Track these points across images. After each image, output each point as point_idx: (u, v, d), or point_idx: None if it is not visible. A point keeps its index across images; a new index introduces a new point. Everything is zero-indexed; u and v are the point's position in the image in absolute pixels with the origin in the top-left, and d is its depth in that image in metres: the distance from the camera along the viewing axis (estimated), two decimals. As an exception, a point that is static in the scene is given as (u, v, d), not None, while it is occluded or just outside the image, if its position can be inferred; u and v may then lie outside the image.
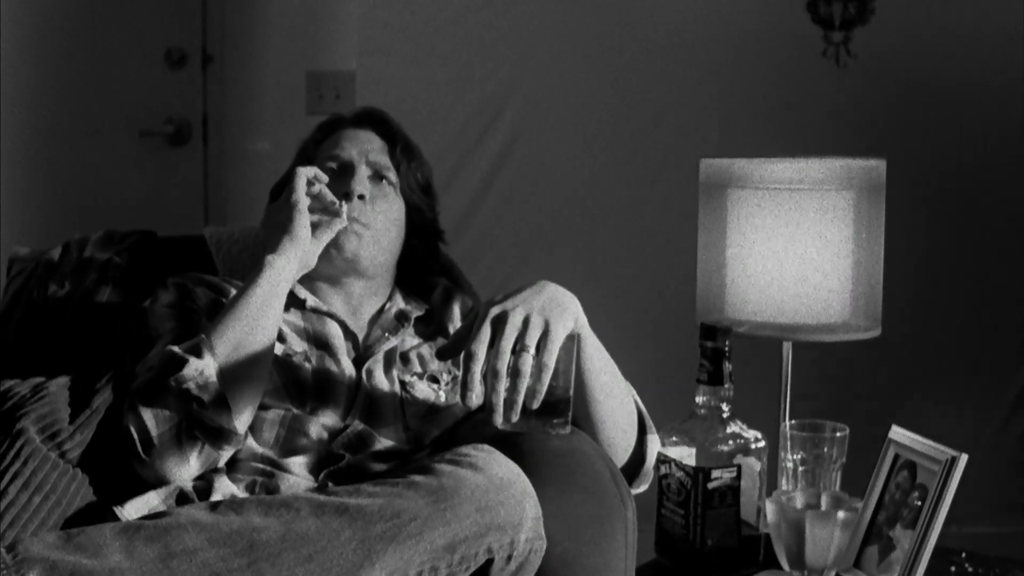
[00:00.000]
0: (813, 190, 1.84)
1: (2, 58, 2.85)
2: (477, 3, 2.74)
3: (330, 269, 1.66)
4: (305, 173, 1.60)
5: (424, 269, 1.80)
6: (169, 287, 1.64)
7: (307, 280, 1.70)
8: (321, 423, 1.52)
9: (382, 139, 1.74)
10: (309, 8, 3.06)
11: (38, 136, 2.95)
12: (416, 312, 1.70)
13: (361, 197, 1.65)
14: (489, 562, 1.23)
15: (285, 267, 1.53)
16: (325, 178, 1.62)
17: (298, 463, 1.47)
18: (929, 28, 2.70)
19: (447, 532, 1.20)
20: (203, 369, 1.41)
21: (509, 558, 1.24)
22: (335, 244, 1.63)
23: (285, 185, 1.74)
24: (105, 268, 1.88)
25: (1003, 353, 2.77)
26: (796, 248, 1.84)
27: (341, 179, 1.67)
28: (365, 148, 1.71)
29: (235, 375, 1.44)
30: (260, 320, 1.48)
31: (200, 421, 1.41)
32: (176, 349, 1.43)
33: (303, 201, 1.57)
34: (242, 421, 1.45)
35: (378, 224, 1.66)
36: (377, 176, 1.70)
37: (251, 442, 1.48)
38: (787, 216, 1.84)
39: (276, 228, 1.57)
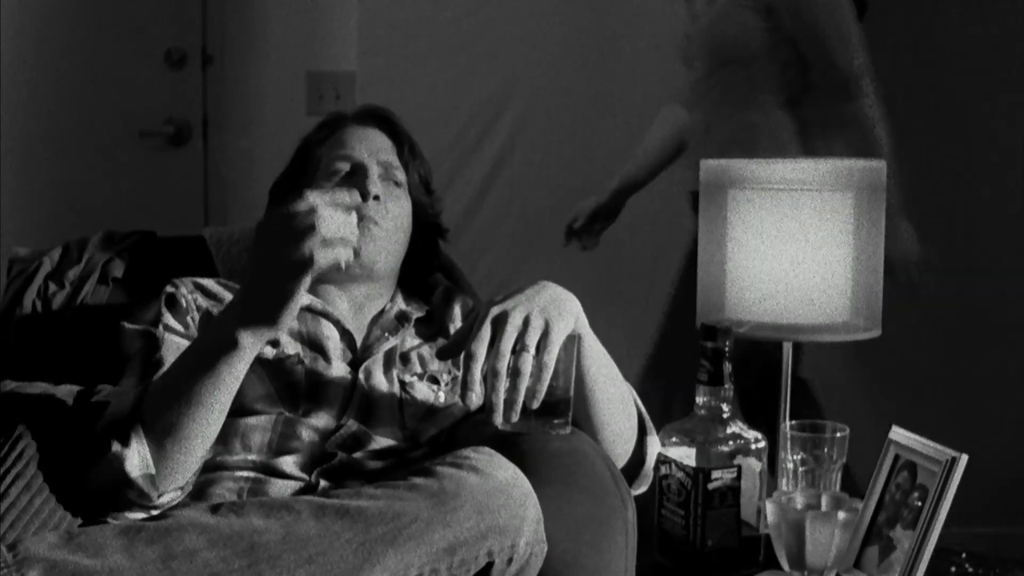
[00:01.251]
0: (813, 191, 1.84)
1: (2, 58, 2.85)
2: (477, 3, 2.74)
3: (340, 273, 1.66)
4: (328, 223, 1.25)
5: (425, 268, 1.80)
6: (160, 297, 1.63)
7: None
8: (313, 425, 1.51)
9: (389, 138, 1.73)
10: (309, 8, 3.06)
11: (38, 136, 2.95)
12: (417, 313, 1.70)
13: (376, 198, 1.65)
14: (489, 565, 1.23)
15: (253, 349, 1.31)
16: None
17: (290, 462, 1.46)
18: (928, 29, 2.71)
19: (447, 535, 1.20)
20: (124, 461, 1.31)
21: (509, 561, 1.24)
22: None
23: (287, 183, 1.74)
24: (105, 269, 1.88)
25: (1003, 353, 2.77)
26: (796, 249, 1.84)
27: (353, 180, 1.66)
28: (374, 147, 1.71)
29: (172, 454, 1.32)
30: (210, 404, 1.32)
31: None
32: (105, 427, 1.35)
33: (307, 282, 1.26)
34: (178, 482, 1.35)
35: (390, 225, 1.67)
36: (387, 176, 1.70)
37: (239, 448, 1.48)
38: (787, 217, 1.84)
39: (262, 297, 1.28)
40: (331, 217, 1.23)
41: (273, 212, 1.33)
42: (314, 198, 1.24)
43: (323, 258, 1.23)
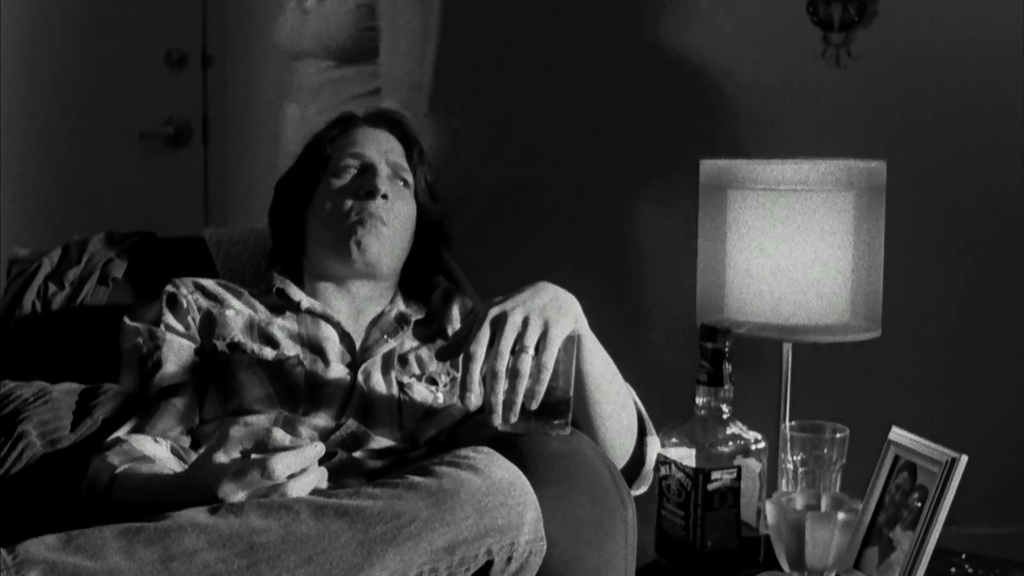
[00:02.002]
0: (813, 191, 1.84)
1: (2, 59, 2.85)
2: (476, 5, 2.73)
3: (345, 270, 1.67)
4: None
5: (426, 272, 1.81)
6: (160, 297, 1.64)
7: (312, 279, 1.71)
8: (313, 424, 1.51)
9: (399, 141, 1.75)
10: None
11: (38, 137, 2.95)
12: (416, 316, 1.70)
13: (384, 196, 1.66)
14: (489, 564, 1.23)
15: None
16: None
17: None
18: (929, 29, 2.70)
19: (447, 533, 1.20)
20: None
21: (509, 559, 1.24)
22: (358, 244, 1.63)
23: (295, 178, 1.75)
24: (105, 269, 1.88)
25: (1004, 354, 2.77)
26: (796, 249, 1.85)
27: (362, 178, 1.68)
28: (384, 148, 1.73)
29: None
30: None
31: None
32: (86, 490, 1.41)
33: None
34: None
35: (396, 225, 1.68)
36: (396, 176, 1.71)
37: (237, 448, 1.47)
38: (787, 217, 1.84)
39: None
40: (300, 484, 1.26)
41: (231, 480, 1.25)
42: (279, 470, 1.23)
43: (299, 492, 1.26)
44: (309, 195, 1.73)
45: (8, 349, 1.80)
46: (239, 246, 1.93)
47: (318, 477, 1.28)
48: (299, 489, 1.25)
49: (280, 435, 1.29)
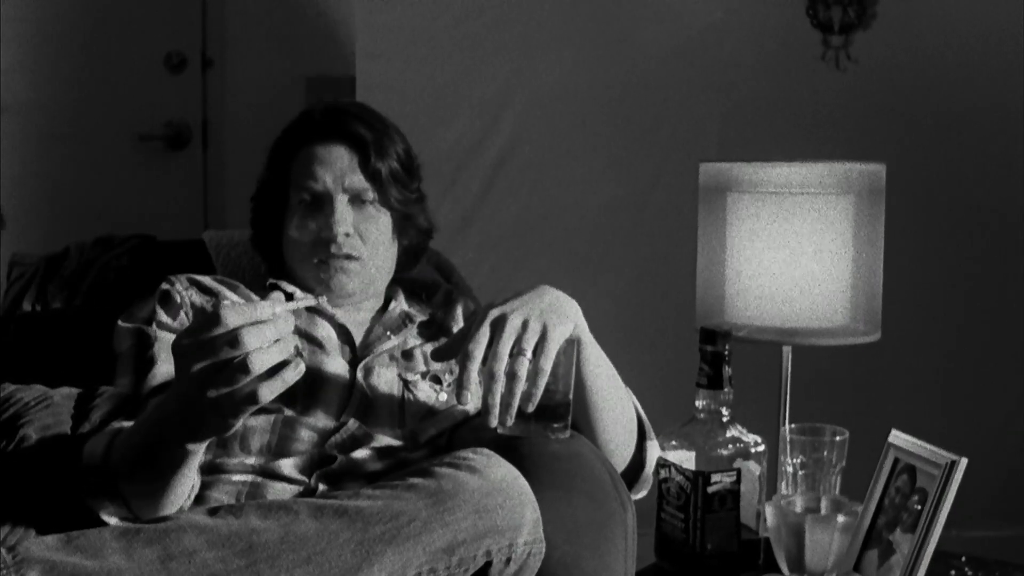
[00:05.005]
0: (813, 194, 1.85)
1: (2, 61, 2.85)
2: (476, 7, 2.74)
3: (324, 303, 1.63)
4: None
5: (413, 265, 1.77)
6: (155, 295, 1.63)
7: (305, 289, 1.69)
8: (313, 425, 1.51)
9: (355, 152, 1.63)
10: (309, 12, 3.06)
11: (38, 140, 2.95)
12: (420, 316, 1.70)
13: (347, 234, 1.61)
14: (488, 565, 1.23)
15: (206, 443, 1.26)
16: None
17: (289, 464, 1.45)
18: (929, 32, 2.71)
19: (446, 534, 1.20)
20: (100, 512, 1.32)
21: (508, 561, 1.24)
22: (328, 284, 1.61)
23: (263, 196, 1.69)
24: (105, 272, 1.88)
25: (1003, 357, 2.77)
26: (796, 252, 1.85)
27: (319, 215, 1.61)
28: (338, 172, 1.62)
29: (145, 508, 1.31)
30: (171, 476, 1.27)
31: None
32: (83, 474, 1.36)
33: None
34: (167, 511, 1.32)
35: (366, 252, 1.63)
36: (356, 200, 1.63)
37: (238, 451, 1.47)
38: (787, 220, 1.84)
39: (204, 422, 1.17)
40: (262, 346, 1.09)
41: (186, 337, 1.14)
42: (233, 320, 1.09)
43: (268, 394, 1.10)
44: (280, 214, 1.66)
45: (7, 351, 1.80)
46: (239, 249, 1.93)
47: (287, 350, 1.11)
48: (263, 363, 1.09)
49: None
